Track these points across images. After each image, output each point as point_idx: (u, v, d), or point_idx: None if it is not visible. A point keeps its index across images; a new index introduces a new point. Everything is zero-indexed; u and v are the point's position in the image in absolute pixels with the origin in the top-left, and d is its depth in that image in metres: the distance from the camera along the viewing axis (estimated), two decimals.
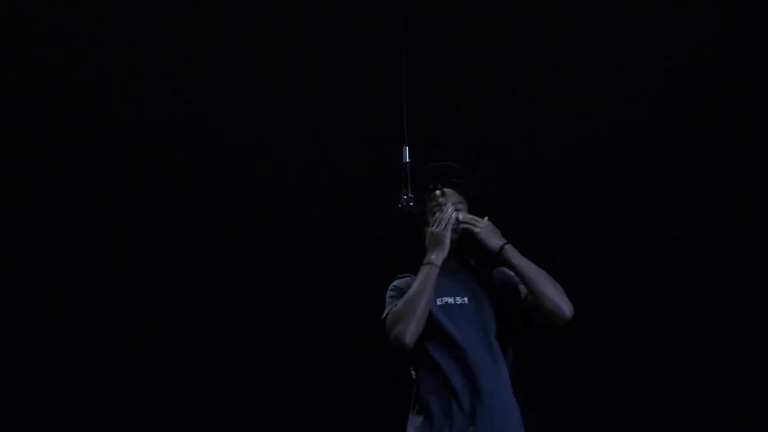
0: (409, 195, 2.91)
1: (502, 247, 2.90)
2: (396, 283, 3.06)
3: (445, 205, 2.99)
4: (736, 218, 5.10)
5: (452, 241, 2.94)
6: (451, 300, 2.96)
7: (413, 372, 3.01)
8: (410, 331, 2.85)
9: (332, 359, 5.14)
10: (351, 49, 4.91)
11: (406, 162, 2.94)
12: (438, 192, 3.03)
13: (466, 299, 2.97)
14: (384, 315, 2.96)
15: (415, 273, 2.94)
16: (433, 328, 2.91)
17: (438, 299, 2.95)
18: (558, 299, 2.88)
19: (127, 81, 5.06)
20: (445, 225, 2.92)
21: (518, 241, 2.94)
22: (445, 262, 2.95)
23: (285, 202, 5.21)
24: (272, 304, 5.22)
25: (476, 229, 2.92)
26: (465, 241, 2.98)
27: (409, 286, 2.94)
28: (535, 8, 4.85)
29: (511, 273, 3.00)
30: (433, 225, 2.94)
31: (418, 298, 2.87)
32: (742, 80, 4.95)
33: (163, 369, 5.26)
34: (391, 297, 3.01)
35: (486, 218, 2.97)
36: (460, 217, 2.96)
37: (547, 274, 2.90)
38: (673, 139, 5.06)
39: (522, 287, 2.97)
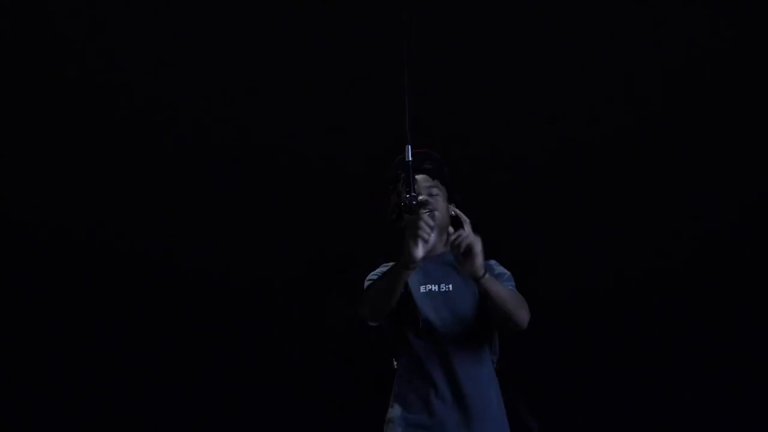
0: (412, 194, 2.81)
1: (482, 277, 2.70)
2: (372, 275, 2.96)
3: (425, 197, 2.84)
4: (736, 218, 5.10)
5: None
6: (434, 287, 2.89)
7: (395, 362, 2.95)
8: (379, 312, 2.78)
9: (332, 359, 5.14)
10: (351, 50, 4.91)
11: (409, 161, 2.77)
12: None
13: (450, 286, 2.89)
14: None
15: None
16: (414, 315, 2.85)
17: (422, 286, 2.88)
18: (519, 316, 2.76)
19: (127, 81, 5.06)
20: (426, 225, 2.61)
21: (518, 241, 2.92)
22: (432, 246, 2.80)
23: (285, 202, 5.21)
24: (272, 304, 5.22)
25: (476, 247, 2.67)
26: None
27: None
28: (535, 8, 4.86)
29: (496, 271, 2.90)
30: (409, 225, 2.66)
31: (386, 295, 2.73)
32: (743, 80, 4.96)
33: (163, 369, 5.25)
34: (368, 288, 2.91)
35: (468, 230, 2.75)
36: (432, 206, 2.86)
37: (514, 297, 2.79)
38: (673, 139, 5.06)
39: None
